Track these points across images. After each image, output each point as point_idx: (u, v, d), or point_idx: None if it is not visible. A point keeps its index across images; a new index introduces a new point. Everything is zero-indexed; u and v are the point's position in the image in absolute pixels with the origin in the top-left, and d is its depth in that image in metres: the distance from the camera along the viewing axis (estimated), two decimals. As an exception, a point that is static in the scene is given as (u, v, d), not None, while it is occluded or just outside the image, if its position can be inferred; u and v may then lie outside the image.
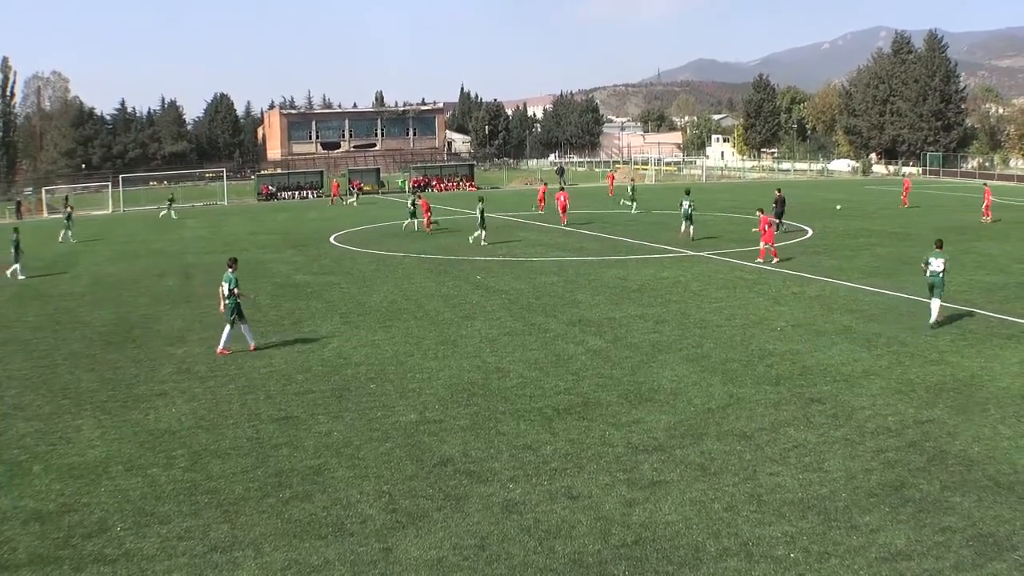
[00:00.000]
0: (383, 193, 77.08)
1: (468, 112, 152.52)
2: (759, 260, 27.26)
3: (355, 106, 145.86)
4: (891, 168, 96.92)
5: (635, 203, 48.87)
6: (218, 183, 78.47)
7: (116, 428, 12.90)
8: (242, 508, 9.89)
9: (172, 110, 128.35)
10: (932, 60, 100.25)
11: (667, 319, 19.28)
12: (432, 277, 26.48)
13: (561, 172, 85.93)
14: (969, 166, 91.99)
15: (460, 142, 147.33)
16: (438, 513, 9.60)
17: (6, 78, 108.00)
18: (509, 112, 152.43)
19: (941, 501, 9.56)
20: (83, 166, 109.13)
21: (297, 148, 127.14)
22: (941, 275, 18.10)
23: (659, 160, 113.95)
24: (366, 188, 76.32)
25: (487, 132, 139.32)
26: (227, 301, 17.33)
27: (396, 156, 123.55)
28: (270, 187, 77.22)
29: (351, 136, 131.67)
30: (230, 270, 17.62)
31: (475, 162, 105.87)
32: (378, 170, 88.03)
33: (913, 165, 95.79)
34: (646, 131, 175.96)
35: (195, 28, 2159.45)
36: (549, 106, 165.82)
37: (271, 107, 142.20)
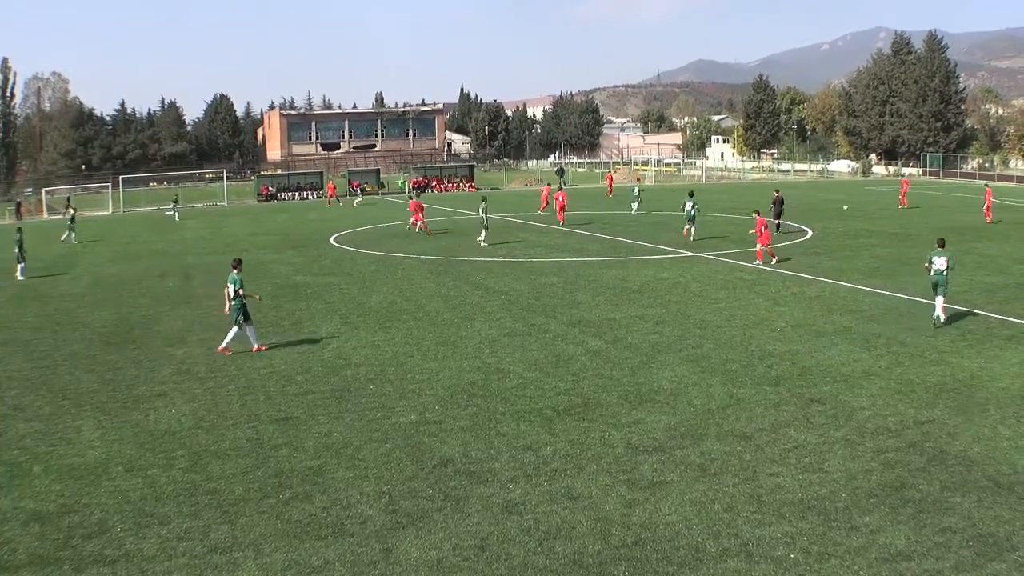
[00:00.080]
0: (383, 194, 77.09)
1: (468, 113, 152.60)
2: (758, 261, 27.26)
3: (355, 107, 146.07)
4: (891, 169, 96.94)
5: (640, 203, 48.86)
6: (218, 184, 78.49)
7: (116, 429, 12.90)
8: (242, 509, 9.89)
9: (172, 111, 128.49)
10: (932, 61, 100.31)
11: (667, 320, 19.28)
12: (432, 278, 26.48)
13: (561, 173, 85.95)
14: (969, 167, 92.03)
15: (460, 143, 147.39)
16: (438, 514, 9.60)
17: (6, 79, 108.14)
18: (509, 113, 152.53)
19: (941, 501, 9.56)
20: (83, 167, 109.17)
21: (297, 149, 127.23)
22: (945, 273, 18.14)
23: (659, 161, 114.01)
24: (368, 189, 76.40)
25: (487, 133, 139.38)
26: (233, 303, 17.27)
27: (396, 157, 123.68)
28: (270, 188, 77.24)
29: (351, 137, 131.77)
30: (235, 271, 17.54)
31: (475, 163, 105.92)
32: (378, 171, 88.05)
33: (913, 166, 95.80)
34: (646, 132, 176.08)
35: (195, 28, 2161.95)
36: (549, 107, 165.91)
37: (271, 108, 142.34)
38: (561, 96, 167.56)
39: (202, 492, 10.40)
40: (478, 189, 78.85)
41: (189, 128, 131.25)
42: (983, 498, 9.61)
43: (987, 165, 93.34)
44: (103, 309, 23.21)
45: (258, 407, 13.74)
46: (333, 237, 39.82)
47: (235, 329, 17.28)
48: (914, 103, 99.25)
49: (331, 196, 68.40)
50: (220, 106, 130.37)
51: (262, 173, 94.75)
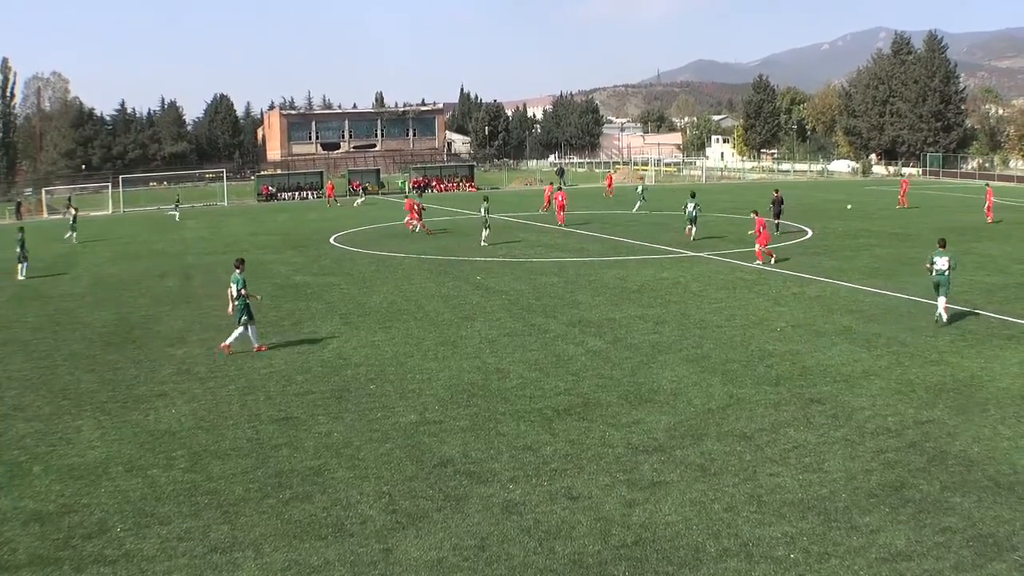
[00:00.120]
0: (383, 194, 77.10)
1: (468, 113, 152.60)
2: (758, 261, 27.26)
3: (355, 107, 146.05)
4: (891, 169, 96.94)
5: (644, 201, 48.82)
6: (218, 184, 78.52)
7: (116, 429, 12.90)
8: (242, 509, 9.89)
9: (172, 111, 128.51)
10: (932, 61, 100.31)
11: (667, 320, 19.28)
12: (432, 278, 26.48)
13: (561, 173, 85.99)
14: (969, 167, 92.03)
15: (460, 143, 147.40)
16: (438, 514, 9.60)
17: (6, 79, 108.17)
18: (509, 113, 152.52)
19: (941, 502, 9.56)
20: (83, 167, 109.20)
21: (297, 149, 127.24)
22: (946, 273, 18.16)
23: (659, 161, 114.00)
24: (369, 189, 76.38)
25: (487, 133, 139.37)
26: (236, 303, 17.28)
27: (396, 157, 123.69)
28: (270, 188, 77.25)
29: (351, 137, 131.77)
30: (238, 271, 17.56)
31: (475, 163, 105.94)
32: (378, 171, 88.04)
33: (913, 166, 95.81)
34: (646, 132, 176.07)
35: (195, 28, 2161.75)
36: (549, 107, 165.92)
37: (271, 108, 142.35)
38: (561, 96, 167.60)
39: (202, 492, 10.40)
40: (478, 189, 78.86)
41: (189, 128, 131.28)
42: (983, 498, 9.61)
43: (987, 165, 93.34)
44: (103, 309, 23.21)
45: (258, 407, 13.74)
46: (333, 237, 39.82)
47: (240, 329, 17.28)
48: (914, 103, 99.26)
49: (329, 196, 68.36)
50: (220, 106, 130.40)
51: (262, 173, 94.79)
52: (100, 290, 26.87)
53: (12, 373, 16.50)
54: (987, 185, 47.71)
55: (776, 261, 27.07)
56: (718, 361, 15.69)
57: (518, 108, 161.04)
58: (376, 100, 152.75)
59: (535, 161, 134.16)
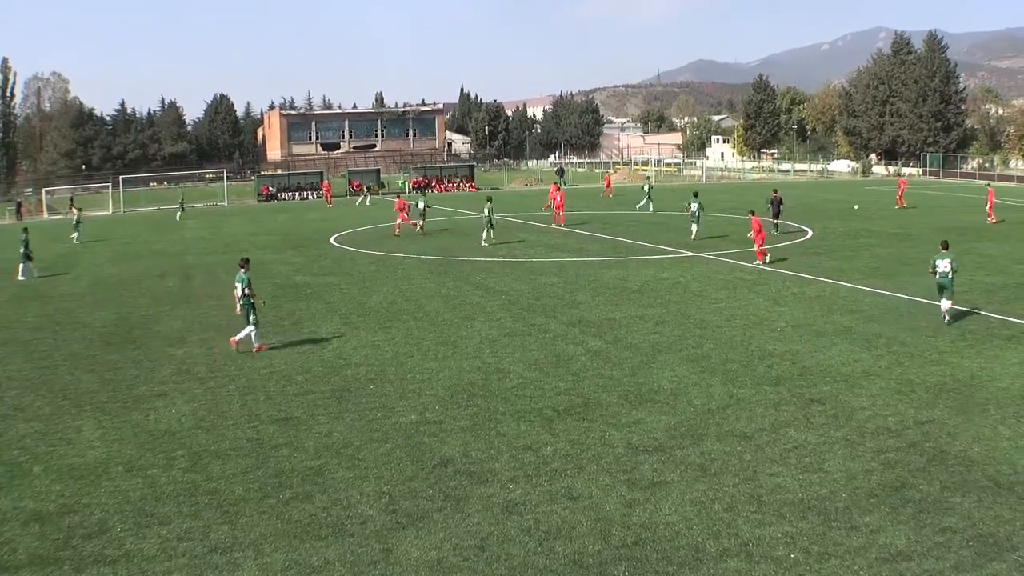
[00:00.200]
0: (383, 194, 77.11)
1: (468, 113, 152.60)
2: (758, 261, 27.26)
3: (355, 107, 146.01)
4: (891, 169, 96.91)
5: (649, 201, 48.83)
6: (218, 184, 78.54)
7: (116, 429, 12.90)
8: (242, 509, 9.89)
9: (172, 111, 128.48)
10: (932, 61, 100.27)
11: (667, 320, 19.28)
12: (432, 278, 26.49)
13: (561, 173, 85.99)
14: (969, 167, 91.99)
15: (460, 143, 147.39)
16: (438, 514, 9.60)
17: (6, 79, 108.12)
18: (509, 113, 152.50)
19: (941, 502, 9.56)
20: (83, 167, 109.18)
21: (297, 149, 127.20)
22: (950, 275, 18.18)
23: (659, 161, 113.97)
24: (371, 189, 76.38)
25: (487, 133, 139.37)
26: (241, 301, 17.34)
27: (396, 157, 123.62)
28: (270, 188, 77.26)
29: (351, 137, 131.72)
30: (243, 270, 17.62)
31: (475, 163, 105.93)
32: (378, 171, 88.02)
33: (913, 166, 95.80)
34: (646, 132, 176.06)
35: (195, 28, 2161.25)
36: (549, 107, 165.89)
37: (271, 108, 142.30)
38: (561, 96, 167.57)
39: (202, 492, 10.40)
40: (478, 189, 78.88)
41: (189, 128, 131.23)
42: (983, 498, 9.61)
43: (987, 165, 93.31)
44: (103, 309, 23.21)
45: (258, 407, 13.75)
46: (333, 237, 39.83)
47: (251, 327, 17.34)
48: (914, 103, 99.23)
49: (326, 196, 68.33)
50: (220, 106, 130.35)
51: (262, 173, 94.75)
52: (100, 290, 26.88)
53: (12, 373, 16.50)
54: (988, 185, 47.69)
55: (770, 262, 27.04)
56: (718, 361, 15.69)
57: (518, 108, 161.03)
58: (376, 100, 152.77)
59: (535, 161, 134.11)
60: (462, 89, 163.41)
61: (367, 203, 63.60)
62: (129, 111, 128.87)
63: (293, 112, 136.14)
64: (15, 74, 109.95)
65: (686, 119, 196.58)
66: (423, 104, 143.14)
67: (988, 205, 40.20)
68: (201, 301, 23.82)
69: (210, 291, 25.51)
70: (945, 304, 18.18)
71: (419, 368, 15.80)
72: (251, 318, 17.31)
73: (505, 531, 9.12)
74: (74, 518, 9.78)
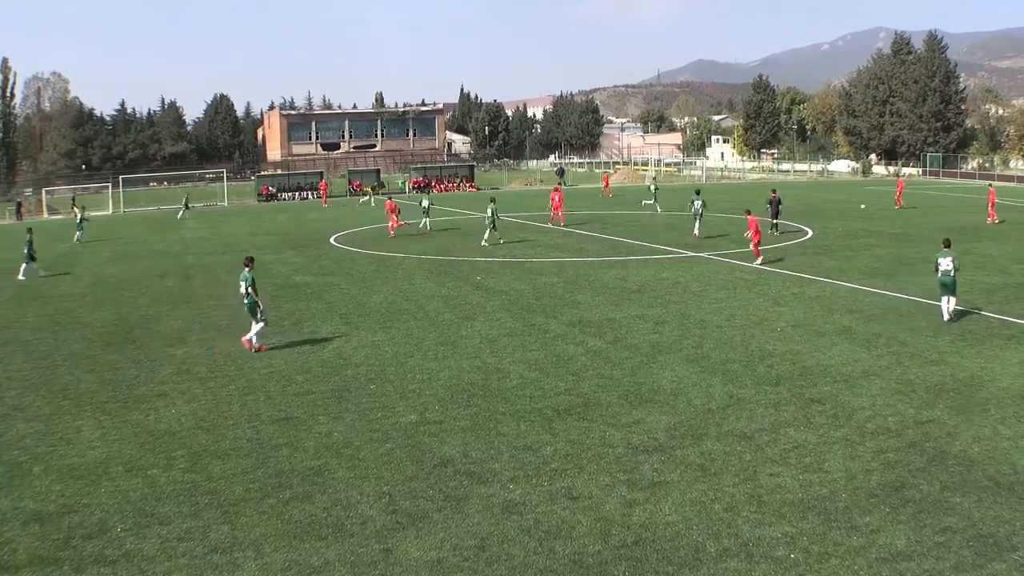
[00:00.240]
0: (383, 194, 77.09)
1: (468, 113, 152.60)
2: (758, 261, 27.26)
3: (355, 107, 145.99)
4: (891, 169, 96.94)
5: (655, 202, 48.86)
6: (218, 184, 78.58)
7: (116, 429, 12.90)
8: (242, 509, 9.89)
9: (172, 111, 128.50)
10: (932, 61, 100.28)
11: (667, 320, 19.29)
12: (432, 278, 26.49)
13: (561, 173, 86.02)
14: (969, 167, 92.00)
15: (460, 143, 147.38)
16: (438, 514, 9.60)
17: (6, 79, 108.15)
18: (509, 113, 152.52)
19: (941, 502, 9.56)
20: (83, 167, 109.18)
21: (297, 149, 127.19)
22: (952, 273, 18.23)
23: (659, 161, 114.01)
24: (365, 188, 76.40)
25: (487, 133, 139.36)
26: (245, 301, 17.40)
27: (396, 157, 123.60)
28: (270, 188, 77.29)
29: (351, 137, 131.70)
30: (247, 269, 17.67)
31: (475, 163, 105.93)
32: (378, 171, 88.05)
33: (913, 166, 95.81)
34: (646, 132, 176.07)
35: (195, 28, 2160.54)
36: (549, 107, 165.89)
37: (271, 108, 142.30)
38: (561, 96, 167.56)
39: (202, 492, 10.40)
40: (478, 189, 78.89)
41: (189, 128, 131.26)
42: (983, 498, 9.61)
43: (987, 165, 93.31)
44: (103, 309, 23.21)
45: (258, 407, 13.75)
46: (333, 237, 39.84)
47: (259, 324, 17.38)
48: (914, 103, 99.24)
49: (324, 196, 68.27)
50: (220, 106, 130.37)
51: (262, 173, 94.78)
52: (100, 290, 26.88)
53: (12, 373, 16.50)
54: (989, 185, 47.64)
55: (762, 262, 27.01)
56: (718, 361, 15.69)
57: (518, 108, 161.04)
58: (376, 100, 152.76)
59: (535, 161, 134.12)
60: (462, 89, 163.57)
61: (371, 203, 63.65)
62: (129, 111, 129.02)
63: (293, 112, 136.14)
64: (15, 74, 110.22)
65: (686, 119, 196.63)
66: (423, 104, 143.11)
67: (989, 205, 40.13)
68: (201, 301, 23.82)
69: (210, 291, 25.52)
70: (951, 303, 18.27)
71: (419, 368, 15.80)
72: (259, 315, 17.37)
73: (505, 531, 9.12)
74: (74, 518, 9.78)
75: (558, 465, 10.93)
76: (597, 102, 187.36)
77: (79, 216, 46.11)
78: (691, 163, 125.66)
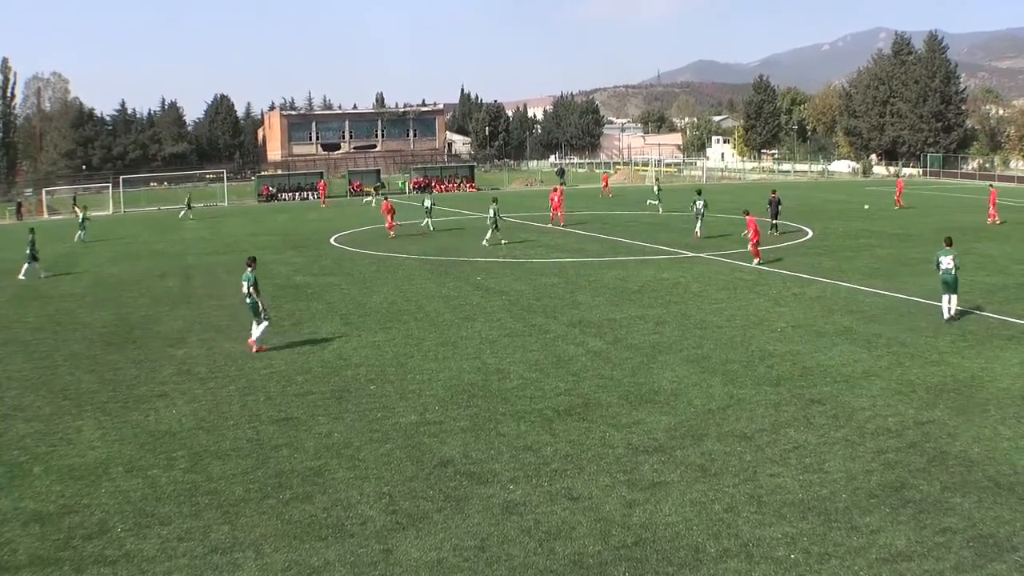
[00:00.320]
0: (383, 194, 77.07)
1: (468, 113, 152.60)
2: (755, 262, 27.26)
3: (355, 107, 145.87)
4: (891, 169, 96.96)
5: (659, 202, 48.89)
6: (218, 184, 78.60)
7: (116, 429, 12.90)
8: (242, 509, 9.89)
9: (172, 111, 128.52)
10: (932, 61, 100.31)
11: (667, 320, 19.28)
12: (432, 278, 26.49)
13: (561, 173, 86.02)
14: (969, 167, 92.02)
15: (460, 143, 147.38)
16: (438, 514, 9.60)
17: (6, 79, 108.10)
18: (509, 113, 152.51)
19: (941, 502, 9.56)
20: (83, 167, 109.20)
21: (297, 149, 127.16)
22: (953, 272, 18.25)
23: (659, 161, 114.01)
24: (367, 188, 76.42)
25: (487, 133, 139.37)
26: (248, 301, 17.39)
27: (396, 157, 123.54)
28: (270, 188, 77.29)
29: (351, 137, 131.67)
30: (249, 269, 17.67)
31: (475, 163, 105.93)
32: (378, 171, 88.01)
33: (913, 166, 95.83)
34: (646, 132, 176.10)
35: (195, 28, 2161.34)
36: (549, 107, 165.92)
37: (271, 108, 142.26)
38: (561, 96, 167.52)
39: (202, 492, 10.40)
40: (479, 190, 78.88)
41: (189, 128, 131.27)
42: (983, 499, 9.61)
43: (987, 166, 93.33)
44: (103, 309, 23.21)
45: (258, 408, 13.75)
46: (333, 237, 39.85)
47: (265, 323, 17.38)
48: (914, 103, 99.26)
49: (322, 196, 68.22)
50: (220, 106, 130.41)
51: (262, 173, 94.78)
52: (100, 290, 26.88)
53: (12, 373, 16.50)
54: (990, 186, 47.59)
55: (762, 263, 27.01)
56: (718, 361, 15.69)
57: (518, 108, 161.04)
58: (376, 100, 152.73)
59: (536, 162, 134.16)
60: (462, 89, 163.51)
61: (372, 204, 63.67)
62: (129, 111, 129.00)
63: (293, 112, 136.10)
64: (15, 74, 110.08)
65: (686, 119, 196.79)
66: (423, 104, 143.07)
67: (991, 205, 40.05)
68: (201, 301, 23.83)
69: (210, 291, 25.52)
70: (952, 302, 18.31)
71: (419, 368, 15.80)
72: (262, 314, 17.37)
73: (505, 532, 9.12)
74: (74, 518, 9.78)
75: (558, 465, 10.93)
76: (597, 102, 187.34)
77: (81, 216, 46.13)
78: (691, 163, 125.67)
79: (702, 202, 34.89)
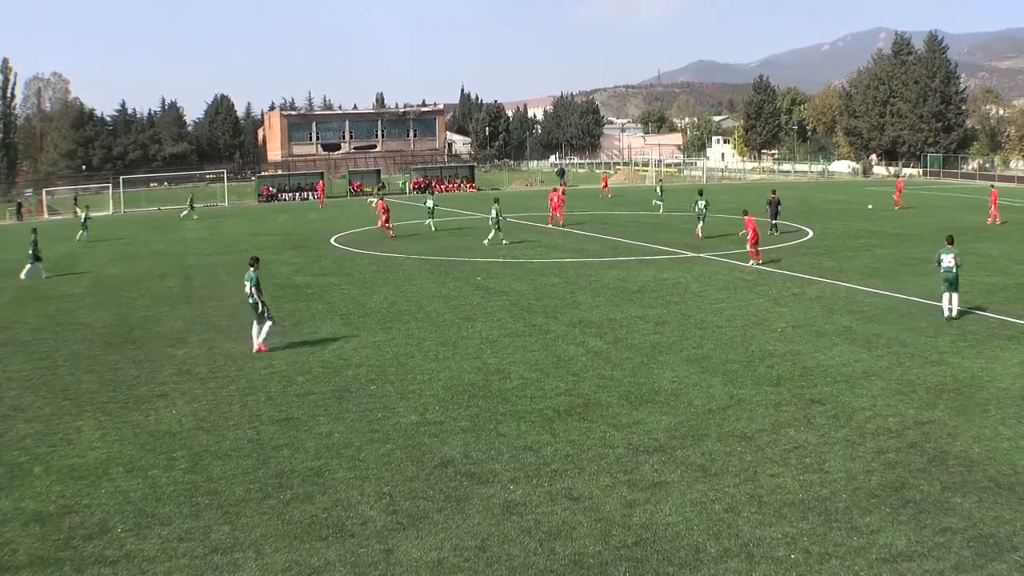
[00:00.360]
0: (384, 195, 77.08)
1: (468, 113, 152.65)
2: (754, 261, 27.27)
3: (355, 107, 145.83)
4: (891, 169, 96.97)
5: (662, 203, 48.92)
6: (218, 184, 78.62)
7: (117, 429, 12.90)
8: (243, 509, 9.89)
9: (172, 111, 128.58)
10: (932, 61, 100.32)
11: (667, 320, 19.29)
12: (433, 278, 26.49)
13: (562, 173, 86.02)
14: (969, 167, 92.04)
15: (461, 143, 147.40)
16: (439, 514, 9.60)
17: (6, 79, 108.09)
18: (509, 113, 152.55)
19: (942, 502, 9.56)
20: (83, 167, 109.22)
21: (297, 149, 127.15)
22: (954, 270, 18.26)
23: (659, 161, 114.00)
24: (368, 189, 76.42)
25: (487, 133, 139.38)
26: (251, 301, 17.40)
27: (396, 157, 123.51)
28: (270, 188, 77.30)
29: (351, 137, 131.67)
30: (252, 269, 17.66)
31: (476, 163, 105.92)
32: (379, 171, 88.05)
33: (913, 166, 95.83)
34: (646, 132, 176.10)
35: (195, 28, 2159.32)
36: (549, 107, 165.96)
37: (271, 108, 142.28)
38: (561, 96, 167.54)
39: (203, 493, 10.40)
40: (479, 190, 78.88)
41: (190, 128, 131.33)
42: (984, 498, 9.61)
43: (987, 166, 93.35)
44: (103, 309, 23.21)
45: (259, 408, 13.75)
46: (333, 238, 39.85)
47: (269, 323, 17.37)
48: (914, 103, 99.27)
49: (320, 197, 68.17)
50: (220, 106, 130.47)
51: (262, 173, 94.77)
52: (100, 290, 26.88)
53: (12, 373, 16.50)
54: (991, 186, 47.57)
55: (759, 264, 27.01)
56: (719, 362, 15.69)
57: (518, 109, 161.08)
58: (376, 101, 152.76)
59: (536, 162, 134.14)
60: (462, 90, 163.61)
61: (373, 204, 63.67)
62: (129, 111, 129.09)
63: (293, 112, 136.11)
64: (15, 74, 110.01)
65: (686, 120, 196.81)
66: (423, 105, 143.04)
67: (992, 205, 40.02)
68: (201, 302, 23.83)
69: (210, 292, 25.53)
70: (953, 300, 18.34)
71: (420, 369, 15.80)
72: (266, 314, 17.37)
73: (506, 532, 9.12)
74: (75, 519, 9.78)
75: (558, 466, 10.93)
76: (597, 103, 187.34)
77: (83, 216, 46.13)
78: (691, 164, 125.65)
79: (703, 202, 35.03)
